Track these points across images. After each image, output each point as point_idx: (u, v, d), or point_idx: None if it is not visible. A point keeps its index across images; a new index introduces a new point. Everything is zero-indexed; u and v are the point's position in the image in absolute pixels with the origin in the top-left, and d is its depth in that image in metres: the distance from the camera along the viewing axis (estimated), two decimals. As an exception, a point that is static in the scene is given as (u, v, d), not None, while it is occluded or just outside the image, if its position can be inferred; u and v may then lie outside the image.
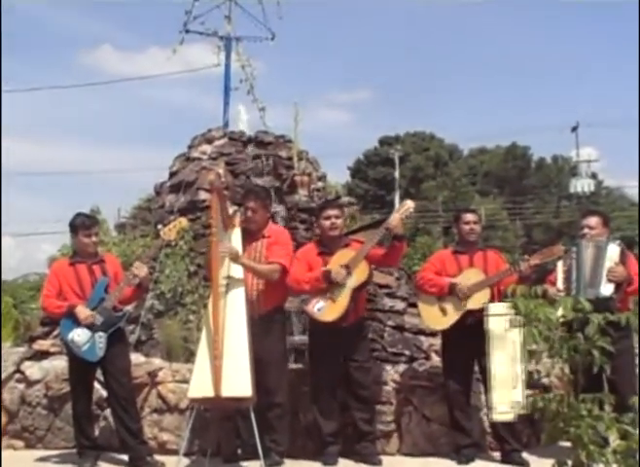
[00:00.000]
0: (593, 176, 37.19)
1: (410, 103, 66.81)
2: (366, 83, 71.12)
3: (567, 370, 3.70)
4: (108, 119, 64.24)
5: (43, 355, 6.34)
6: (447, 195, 37.33)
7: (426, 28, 69.50)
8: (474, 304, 5.40)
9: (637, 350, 5.59)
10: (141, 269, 5.37)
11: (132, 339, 6.34)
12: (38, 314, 7.43)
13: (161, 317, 6.70)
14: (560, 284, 5.33)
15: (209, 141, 8.13)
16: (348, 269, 5.29)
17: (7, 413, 6.00)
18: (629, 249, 5.62)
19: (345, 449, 5.50)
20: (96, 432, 5.71)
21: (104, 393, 5.65)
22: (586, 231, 5.43)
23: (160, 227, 5.72)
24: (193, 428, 5.22)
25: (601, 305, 4.35)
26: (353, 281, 5.30)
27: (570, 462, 3.09)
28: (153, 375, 5.86)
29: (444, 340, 5.70)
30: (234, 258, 5.18)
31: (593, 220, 5.48)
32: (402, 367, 6.02)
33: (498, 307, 5.18)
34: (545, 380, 5.76)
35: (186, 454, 5.36)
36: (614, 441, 3.07)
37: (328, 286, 5.29)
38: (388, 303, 6.75)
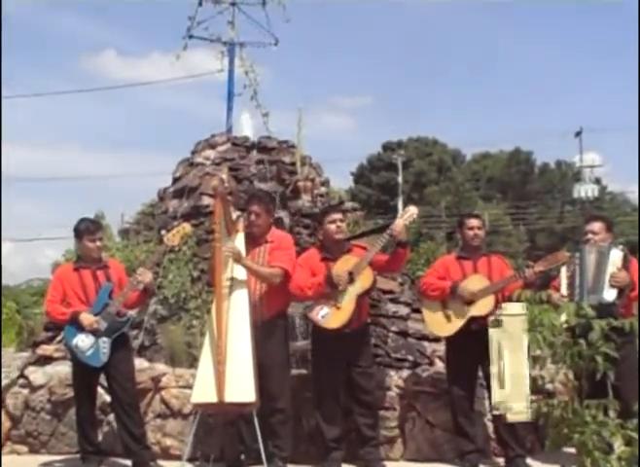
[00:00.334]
0: (597, 181, 37.13)
1: (413, 108, 66.97)
2: (369, 88, 71.17)
3: (571, 376, 3.70)
4: (111, 124, 64.49)
5: (46, 360, 6.34)
6: (451, 200, 37.31)
7: (429, 34, 69.57)
8: (478, 310, 5.39)
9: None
10: (145, 275, 5.38)
11: (136, 344, 6.35)
12: (41, 319, 7.44)
13: (165, 322, 6.70)
14: (564, 290, 5.32)
15: (213, 146, 8.14)
16: (352, 274, 5.28)
17: (10, 419, 6.01)
18: (632, 254, 5.60)
19: (349, 455, 5.49)
20: (100, 437, 5.72)
21: (108, 398, 5.65)
22: (589, 236, 5.42)
23: (163, 232, 5.73)
24: (196, 433, 5.22)
25: (604, 310, 4.34)
26: (357, 288, 5.30)
27: (574, 468, 3.08)
28: (156, 380, 5.86)
29: (449, 345, 5.70)
30: (237, 258, 5.17)
31: (597, 225, 5.47)
32: (405, 372, 6.01)
33: (515, 307, 5.14)
34: (549, 386, 5.74)
35: (189, 460, 5.35)
36: (618, 447, 3.06)
37: (332, 292, 5.28)
38: (392, 308, 6.75)
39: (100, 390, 5.66)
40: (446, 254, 7.69)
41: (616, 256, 5.24)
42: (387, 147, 42.01)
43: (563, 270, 5.41)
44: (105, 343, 5.27)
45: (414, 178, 40.31)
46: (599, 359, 3.09)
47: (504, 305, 5.23)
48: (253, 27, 9.31)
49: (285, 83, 51.80)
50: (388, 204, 37.87)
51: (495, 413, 5.19)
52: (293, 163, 7.75)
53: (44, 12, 68.87)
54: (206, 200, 7.29)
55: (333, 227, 5.45)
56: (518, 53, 68.01)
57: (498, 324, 5.01)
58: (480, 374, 5.53)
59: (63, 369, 5.98)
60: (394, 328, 6.57)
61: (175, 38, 9.33)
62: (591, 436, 3.00)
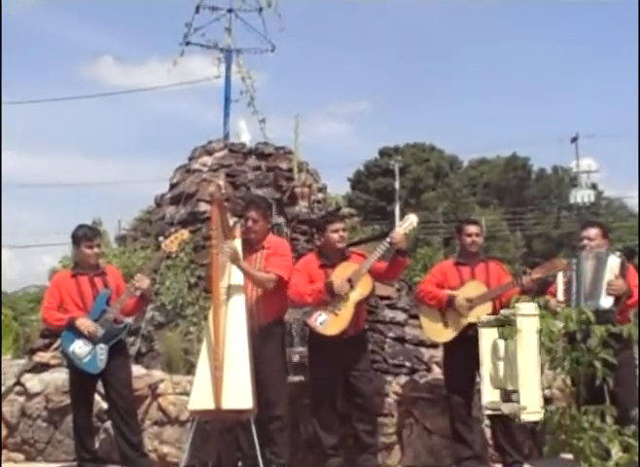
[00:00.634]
0: (593, 187, 37.22)
1: (410, 114, 67.10)
2: (365, 94, 71.37)
3: (569, 381, 3.71)
4: (108, 130, 64.44)
5: (43, 367, 6.33)
6: (448, 205, 37.39)
7: (426, 39, 69.76)
8: (475, 317, 5.38)
9: (638, 362, 5.57)
10: (143, 282, 5.37)
11: (133, 350, 6.34)
12: (38, 326, 7.42)
13: (162, 329, 6.69)
14: (560, 295, 5.31)
15: (210, 153, 8.14)
16: (351, 282, 5.28)
17: (7, 426, 5.99)
18: (629, 260, 5.60)
19: (347, 462, 5.48)
20: (97, 445, 5.70)
21: (104, 405, 5.64)
22: (585, 242, 5.42)
23: (161, 239, 5.73)
24: (193, 441, 5.21)
25: (601, 316, 4.35)
26: (357, 295, 5.29)
27: (572, 475, 3.08)
28: (153, 387, 5.85)
29: (446, 352, 5.69)
30: (234, 259, 5.17)
31: (593, 231, 5.48)
32: (403, 379, 6.01)
33: (529, 307, 5.11)
34: (546, 392, 5.73)
35: (186, 467, 5.35)
36: (616, 453, 3.06)
37: (330, 299, 5.28)
38: (389, 314, 6.75)
39: (97, 397, 5.64)
40: (444, 260, 7.68)
41: (614, 262, 5.23)
42: (384, 153, 42.06)
43: (559, 276, 5.40)
44: (102, 350, 5.26)
45: (411, 184, 40.37)
46: (598, 365, 3.10)
47: (518, 304, 5.20)
48: (250, 34, 9.34)
49: (282, 89, 51.86)
50: (385, 210, 37.92)
51: (488, 413, 5.15)
52: (290, 170, 7.75)
53: (41, 18, 68.92)
54: (203, 207, 7.29)
55: (336, 236, 5.45)
56: (515, 60, 68.21)
57: (498, 323, 4.95)
58: (478, 379, 5.52)
59: (60, 376, 5.96)
60: (391, 334, 6.57)
61: (172, 44, 9.36)
62: (589, 442, 3.01)
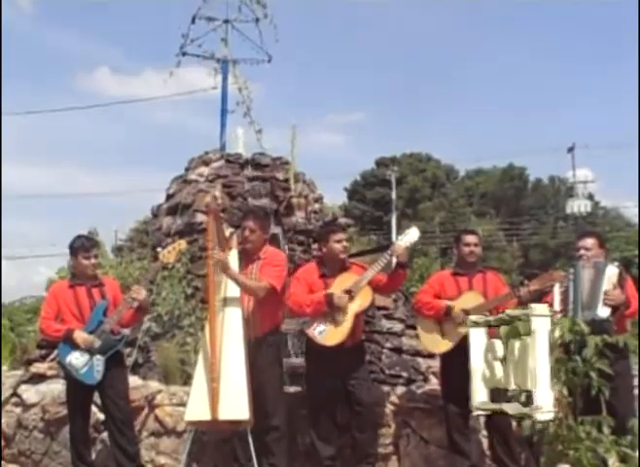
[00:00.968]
0: (590, 197, 37.28)
1: (407, 125, 67.24)
2: (362, 104, 71.45)
3: (565, 392, 3.71)
4: (105, 141, 64.42)
5: (40, 378, 6.31)
6: (444, 216, 37.43)
7: (422, 50, 70.05)
8: (472, 327, 5.38)
9: (636, 372, 5.57)
10: (140, 293, 5.37)
11: (129, 361, 6.32)
12: (35, 337, 7.41)
13: (159, 340, 6.68)
14: (557, 305, 5.31)
15: (206, 163, 8.14)
16: (351, 293, 5.29)
17: (3, 437, 5.97)
18: (627, 270, 5.61)
19: (344, 472, 5.47)
20: (93, 456, 5.67)
21: (101, 416, 5.62)
22: (582, 252, 5.43)
23: (159, 249, 5.72)
24: (190, 451, 5.20)
25: (597, 327, 4.35)
26: (356, 306, 5.30)
27: (569, 485, 3.08)
28: (150, 398, 5.84)
29: (443, 362, 5.68)
30: (223, 267, 5.17)
31: (589, 241, 5.49)
32: (400, 389, 6.01)
33: (542, 308, 5.10)
34: (543, 402, 5.73)
35: (183, 478, 5.33)
36: (613, 464, 3.06)
37: (329, 310, 5.28)
38: (386, 324, 6.75)
39: (94, 408, 5.62)
40: (441, 270, 7.69)
41: (612, 273, 5.23)
42: (381, 163, 42.15)
43: (556, 286, 5.40)
44: (99, 361, 5.25)
45: (408, 194, 40.43)
46: (594, 375, 3.10)
47: (532, 305, 5.18)
48: (246, 44, 9.35)
49: (278, 99, 52.10)
50: (382, 220, 37.95)
51: (478, 413, 5.11)
52: (286, 180, 7.77)
53: (38, 30, 69.08)
54: (200, 217, 7.29)
55: (339, 246, 5.45)
56: (511, 70, 68.46)
57: (496, 323, 4.91)
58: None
59: (56, 387, 5.95)
60: (388, 344, 6.57)
61: (169, 55, 9.36)
62: (586, 453, 3.00)
